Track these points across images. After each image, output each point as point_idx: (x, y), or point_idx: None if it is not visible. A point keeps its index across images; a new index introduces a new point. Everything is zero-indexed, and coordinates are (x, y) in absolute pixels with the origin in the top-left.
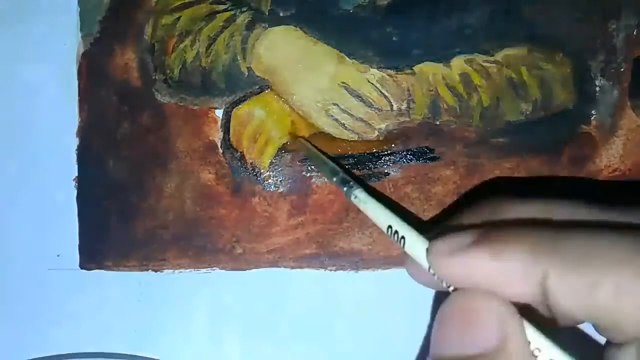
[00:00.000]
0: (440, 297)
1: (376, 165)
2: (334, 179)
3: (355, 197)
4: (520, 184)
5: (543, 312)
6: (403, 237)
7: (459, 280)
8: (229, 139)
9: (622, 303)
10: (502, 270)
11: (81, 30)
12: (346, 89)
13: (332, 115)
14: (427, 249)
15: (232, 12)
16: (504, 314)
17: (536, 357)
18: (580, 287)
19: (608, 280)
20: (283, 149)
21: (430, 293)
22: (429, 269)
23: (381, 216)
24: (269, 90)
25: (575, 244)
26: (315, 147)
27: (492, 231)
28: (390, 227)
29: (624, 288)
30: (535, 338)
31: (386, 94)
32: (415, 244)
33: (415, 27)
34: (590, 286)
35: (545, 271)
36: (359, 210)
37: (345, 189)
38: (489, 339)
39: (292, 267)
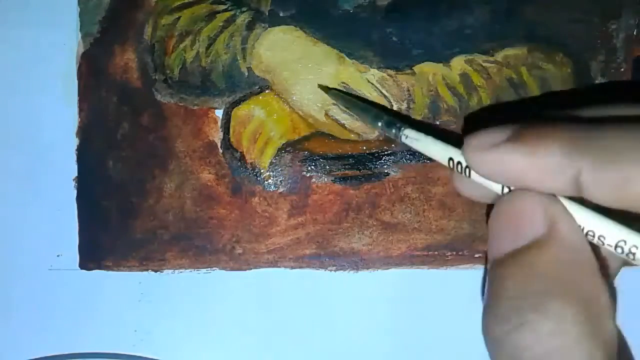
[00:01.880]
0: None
1: (376, 165)
2: (379, 124)
3: (407, 137)
4: None
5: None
6: (467, 166)
7: (495, 176)
8: (229, 139)
9: None
10: (536, 167)
11: (81, 30)
12: (346, 89)
13: (332, 115)
14: (463, 146)
15: (232, 12)
16: (548, 202)
17: (592, 237)
18: (614, 181)
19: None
20: (283, 149)
21: (430, 293)
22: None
23: (439, 151)
24: (269, 90)
25: (608, 139)
26: (352, 95)
27: (526, 128)
28: (451, 159)
29: None
30: (588, 220)
31: (386, 94)
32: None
33: (415, 27)
34: (623, 180)
35: (578, 167)
36: (359, 210)
37: (393, 131)
38: (538, 228)
39: (292, 267)
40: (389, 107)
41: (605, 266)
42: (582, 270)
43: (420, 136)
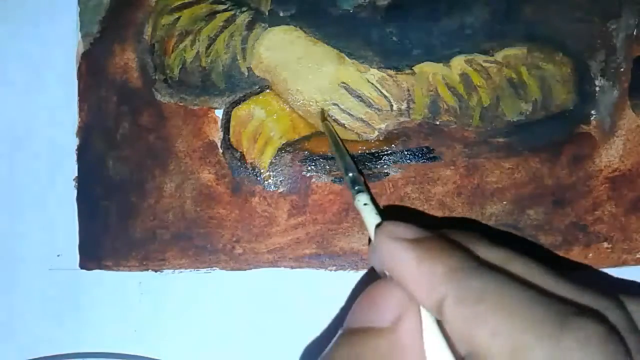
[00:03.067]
0: None
1: (376, 165)
2: (346, 176)
3: (358, 200)
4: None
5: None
6: None
7: (385, 260)
8: (229, 139)
9: (493, 347)
10: (415, 275)
11: (81, 30)
12: (346, 89)
13: (332, 116)
14: (377, 225)
15: (232, 12)
16: (405, 302)
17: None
18: (464, 320)
19: (488, 322)
20: (283, 149)
21: None
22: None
23: (371, 222)
24: (269, 90)
25: (480, 283)
26: (339, 139)
27: (429, 240)
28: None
29: (498, 334)
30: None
31: (386, 94)
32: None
33: (415, 27)
34: (473, 322)
35: (444, 294)
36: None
37: (353, 189)
38: (386, 318)
39: (292, 267)
40: (388, 107)
41: None
42: None
43: (367, 206)
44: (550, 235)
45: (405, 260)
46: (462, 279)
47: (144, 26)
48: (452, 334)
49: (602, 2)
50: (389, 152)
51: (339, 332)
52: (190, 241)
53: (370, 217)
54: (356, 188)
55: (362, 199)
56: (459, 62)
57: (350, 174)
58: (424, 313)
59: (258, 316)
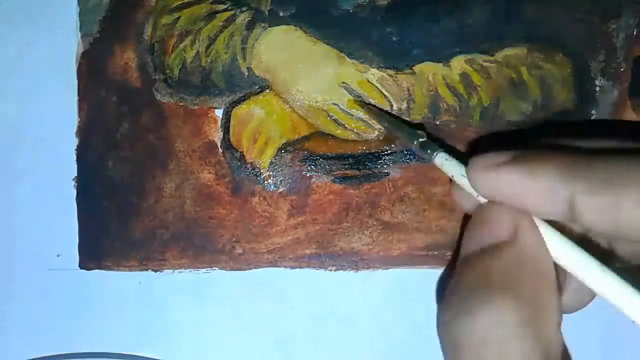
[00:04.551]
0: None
1: (376, 165)
2: (414, 143)
3: (440, 159)
4: None
5: (574, 230)
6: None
7: (491, 193)
8: (229, 139)
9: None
10: (533, 188)
11: (81, 30)
12: (346, 89)
13: (332, 115)
14: (468, 164)
15: (232, 12)
16: (516, 213)
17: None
18: (605, 206)
19: (629, 197)
20: (283, 148)
21: (429, 293)
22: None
23: (457, 171)
24: (269, 90)
25: (601, 166)
26: (385, 112)
27: (527, 152)
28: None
29: None
30: (555, 240)
31: (386, 94)
32: None
33: (415, 27)
34: (614, 205)
35: (572, 190)
36: (359, 210)
37: (428, 152)
38: (501, 233)
39: (292, 267)
40: (389, 107)
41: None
42: (535, 277)
43: (449, 160)
44: None
45: (514, 178)
46: (583, 171)
47: (144, 26)
48: (592, 225)
49: (602, 2)
50: (389, 152)
51: (457, 264)
52: (190, 241)
53: (456, 167)
54: (429, 151)
55: (443, 156)
56: (459, 62)
57: (417, 141)
58: (539, 221)
59: (258, 316)
